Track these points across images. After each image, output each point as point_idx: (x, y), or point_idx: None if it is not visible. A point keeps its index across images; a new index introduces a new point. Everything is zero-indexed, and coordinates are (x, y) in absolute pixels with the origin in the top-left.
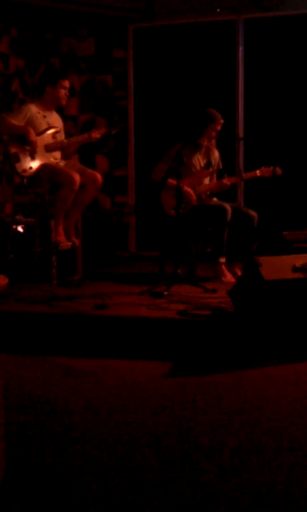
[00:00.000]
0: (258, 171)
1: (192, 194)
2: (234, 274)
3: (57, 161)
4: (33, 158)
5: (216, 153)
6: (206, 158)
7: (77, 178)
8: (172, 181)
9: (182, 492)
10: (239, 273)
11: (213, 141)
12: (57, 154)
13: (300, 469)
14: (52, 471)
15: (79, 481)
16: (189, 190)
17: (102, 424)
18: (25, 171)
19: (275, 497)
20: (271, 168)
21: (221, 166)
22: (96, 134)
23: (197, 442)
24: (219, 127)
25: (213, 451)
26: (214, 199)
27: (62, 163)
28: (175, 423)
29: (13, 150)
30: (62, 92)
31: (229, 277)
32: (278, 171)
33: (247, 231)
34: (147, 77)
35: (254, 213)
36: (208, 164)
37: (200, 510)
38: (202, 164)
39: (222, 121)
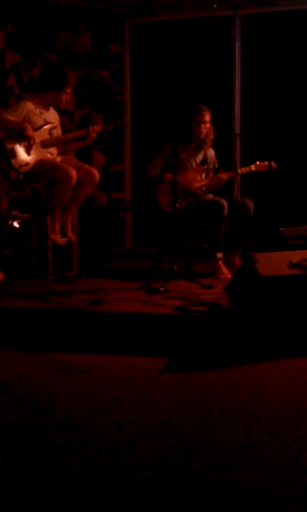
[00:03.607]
0: (253, 166)
1: (190, 182)
2: (233, 265)
3: (54, 156)
4: (29, 154)
5: (212, 152)
6: (202, 155)
7: (74, 174)
8: (169, 175)
9: (179, 491)
10: (239, 263)
11: (209, 139)
12: (54, 150)
13: (297, 466)
14: (50, 470)
15: (77, 480)
16: (186, 179)
17: (99, 421)
18: (21, 166)
19: (272, 495)
20: (266, 162)
21: (217, 165)
22: (92, 133)
23: (193, 439)
24: (203, 118)
25: (210, 449)
26: (210, 195)
27: (58, 159)
28: (171, 420)
29: (10, 146)
30: (64, 97)
31: (226, 273)
32: (274, 165)
33: (244, 220)
34: (144, 73)
35: (250, 202)
36: (204, 161)
37: (197, 509)
38: (198, 161)
39: (203, 112)
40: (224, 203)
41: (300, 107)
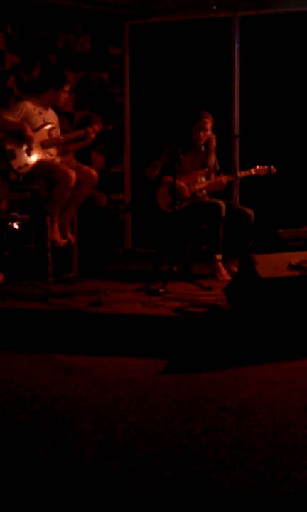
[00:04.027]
0: (252, 170)
1: (186, 188)
2: (230, 271)
3: (53, 157)
4: (28, 155)
5: (213, 156)
6: (202, 158)
7: (73, 175)
8: (168, 178)
9: (179, 491)
10: (235, 270)
11: (212, 146)
12: (53, 151)
13: (298, 468)
14: (50, 470)
15: (77, 481)
16: (183, 184)
17: (98, 422)
18: (21, 167)
19: (272, 495)
20: (266, 167)
21: (217, 168)
22: (91, 133)
23: (193, 440)
24: (204, 125)
25: (209, 450)
26: (209, 198)
27: (57, 160)
28: (170, 421)
29: (9, 147)
30: (63, 96)
31: (225, 274)
32: (273, 169)
33: (243, 229)
34: (143, 74)
35: (250, 211)
36: (203, 164)
37: (197, 510)
38: (198, 164)
39: (205, 119)
40: (222, 204)
41: (300, 108)
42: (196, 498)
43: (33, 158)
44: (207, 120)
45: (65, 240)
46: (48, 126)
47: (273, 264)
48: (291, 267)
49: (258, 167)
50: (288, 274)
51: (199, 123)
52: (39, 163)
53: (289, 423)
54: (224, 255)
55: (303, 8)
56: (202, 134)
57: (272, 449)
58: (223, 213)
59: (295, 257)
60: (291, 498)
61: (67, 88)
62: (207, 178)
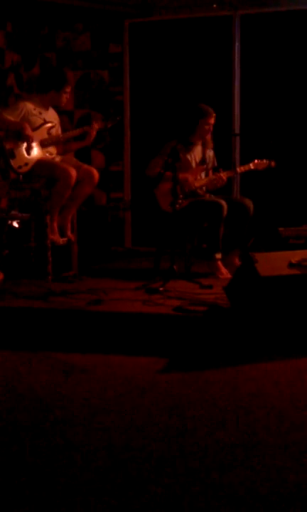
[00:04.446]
0: (251, 164)
1: (189, 179)
2: (232, 264)
3: (53, 156)
4: (28, 154)
5: (211, 151)
6: (201, 155)
7: (74, 173)
8: (169, 173)
9: (179, 491)
10: (238, 263)
11: (209, 139)
12: (53, 149)
13: (297, 466)
14: (50, 469)
15: (77, 480)
16: (186, 176)
17: (98, 421)
18: (20, 167)
19: (272, 495)
20: (265, 161)
21: (215, 164)
22: (91, 130)
23: (193, 439)
24: (210, 121)
25: (209, 449)
26: (209, 195)
27: (57, 159)
28: (170, 420)
29: (9, 146)
30: (64, 97)
31: (225, 273)
32: (273, 163)
33: (243, 221)
34: (143, 72)
35: (249, 203)
36: (203, 160)
37: (197, 509)
38: (198, 160)
39: (212, 115)
40: (224, 203)
41: (300, 107)
42: (196, 498)
43: (33, 157)
44: (214, 115)
45: (65, 239)
46: (48, 125)
47: (273, 263)
48: (291, 265)
49: (256, 161)
50: (289, 272)
51: (206, 118)
52: (39, 162)
53: (289, 422)
54: (224, 249)
55: (304, 7)
56: (207, 128)
57: (272, 448)
58: (224, 213)
59: (296, 256)
60: (291, 498)
61: (68, 89)
62: (207, 174)
